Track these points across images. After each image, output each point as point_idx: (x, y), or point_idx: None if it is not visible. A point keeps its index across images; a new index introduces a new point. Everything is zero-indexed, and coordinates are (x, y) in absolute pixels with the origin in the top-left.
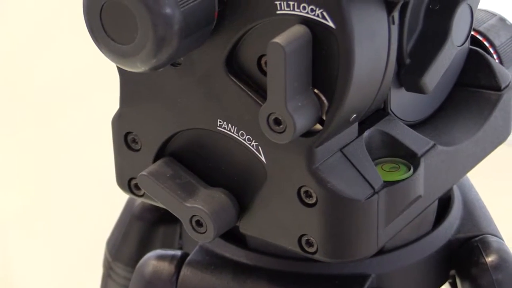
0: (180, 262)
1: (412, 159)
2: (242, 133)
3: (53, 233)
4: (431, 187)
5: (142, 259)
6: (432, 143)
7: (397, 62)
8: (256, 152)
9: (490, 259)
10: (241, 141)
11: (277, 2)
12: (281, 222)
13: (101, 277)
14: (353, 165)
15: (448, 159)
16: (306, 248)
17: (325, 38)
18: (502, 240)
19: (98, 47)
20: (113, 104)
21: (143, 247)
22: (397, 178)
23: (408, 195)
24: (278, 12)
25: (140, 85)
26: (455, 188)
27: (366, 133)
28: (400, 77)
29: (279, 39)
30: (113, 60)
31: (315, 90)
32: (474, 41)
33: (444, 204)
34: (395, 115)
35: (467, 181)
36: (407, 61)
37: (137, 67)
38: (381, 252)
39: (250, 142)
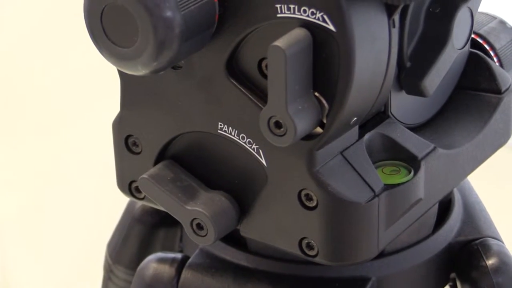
0: (180, 265)
1: (412, 162)
2: (242, 136)
3: (53, 236)
4: (432, 190)
5: (142, 262)
6: (432, 146)
7: (397, 65)
8: (257, 155)
9: (490, 262)
10: (241, 144)
11: (278, 6)
12: (282, 225)
13: (101, 280)
14: (354, 168)
15: (448, 162)
16: (307, 251)
17: (326, 41)
18: (503, 243)
19: (99, 50)
20: (114, 107)
21: (144, 250)
22: (397, 181)
23: (409, 198)
24: (278, 15)
25: (140, 88)
26: (455, 191)
27: (366, 136)
28: (401, 80)
29: (280, 42)
30: (113, 63)
31: (316, 93)
32: (475, 44)
33: (445, 207)
34: (396, 118)
35: (468, 184)
36: (408, 64)
37: (138, 70)
38: (382, 255)
39: (250, 145)
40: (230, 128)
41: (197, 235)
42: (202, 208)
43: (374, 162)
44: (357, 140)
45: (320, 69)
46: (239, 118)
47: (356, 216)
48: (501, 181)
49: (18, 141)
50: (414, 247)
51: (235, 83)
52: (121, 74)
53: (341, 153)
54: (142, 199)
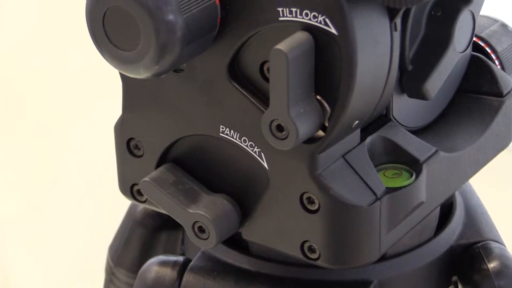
0: (182, 268)
1: (414, 165)
2: (244, 139)
3: (54, 238)
4: (433, 193)
5: (144, 265)
6: (434, 149)
7: (399, 68)
8: (259, 158)
9: (492, 265)
10: (243, 147)
11: (280, 9)
12: (284, 228)
13: (103, 282)
14: (356, 172)
15: (450, 165)
16: (309, 254)
17: (328, 44)
18: (504, 246)
19: (101, 53)
20: (116, 109)
21: (145, 253)
22: (399, 184)
23: (410, 202)
24: (280, 18)
25: (142, 91)
26: (457, 194)
27: (368, 140)
28: (402, 84)
29: (282, 46)
30: (115, 66)
31: (318, 97)
32: (476, 47)
33: (446, 210)
34: (397, 121)
35: (469, 187)
36: (409, 67)
37: (140, 74)
38: (383, 258)
39: (252, 148)
40: (232, 131)
41: (199, 238)
42: (204, 211)
43: (376, 165)
44: (359, 143)
45: (322, 72)
46: (241, 121)
47: (358, 219)
48: (503, 184)
49: (19, 142)
50: (416, 250)
51: (237, 86)
52: (123, 77)
53: (343, 156)
54: (144, 202)
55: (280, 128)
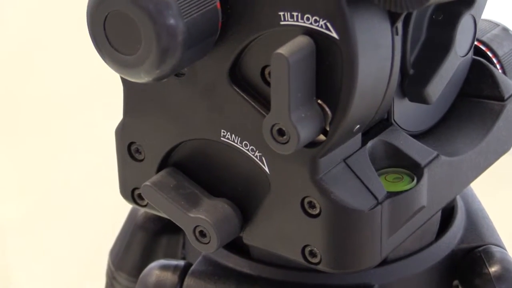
0: (183, 272)
1: (415, 170)
2: (245, 143)
3: (55, 242)
4: (435, 197)
5: (145, 269)
6: (435, 153)
7: (400, 72)
8: (260, 163)
9: (493, 269)
10: (244, 152)
11: (281, 13)
12: (285, 233)
13: (104, 286)
14: (357, 176)
15: (451, 169)
16: (310, 259)
17: (329, 49)
18: (506, 250)
19: (102, 57)
20: (117, 113)
21: (146, 257)
22: (400, 188)
23: (412, 206)
24: (281, 23)
25: (143, 95)
26: (458, 198)
27: (369, 144)
28: (404, 88)
29: (283, 50)
30: (116, 70)
31: (319, 101)
32: (477, 51)
33: (447, 214)
34: (399, 126)
35: (470, 191)
36: (411, 71)
37: (141, 78)
38: (384, 262)
39: (253, 153)
40: (233, 135)
41: (200, 242)
42: (205, 215)
43: (377, 170)
44: (360, 148)
45: (323, 76)
46: (242, 126)
47: (359, 223)
48: (504, 188)
49: (20, 144)
50: (417, 254)
51: (238, 90)
52: (124, 81)
53: (344, 160)
54: (145, 206)
55: (281, 132)
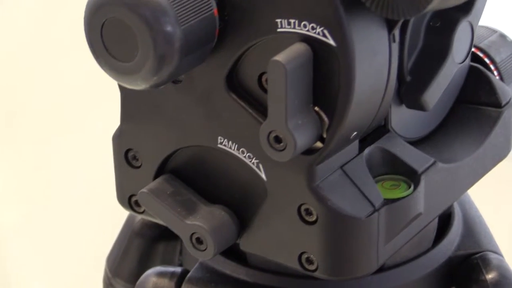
0: (180, 279)
1: (412, 177)
2: (242, 150)
3: (53, 248)
4: (432, 204)
5: (142, 275)
6: (432, 160)
7: (397, 79)
8: (257, 170)
9: (490, 276)
10: (241, 159)
11: (278, 20)
12: (281, 240)
13: None
14: (354, 183)
15: (448, 176)
16: (306, 266)
17: (326, 56)
18: (502, 257)
19: (99, 64)
20: (115, 120)
21: (143, 264)
22: (397, 195)
23: (409, 213)
24: (278, 30)
25: (140, 102)
26: (455, 204)
27: (366, 151)
28: (401, 94)
29: (280, 57)
30: (113, 77)
31: (316, 108)
32: (475, 57)
33: (445, 221)
34: (396, 132)
35: (468, 197)
36: (408, 78)
37: (138, 85)
38: (381, 269)
39: (250, 160)
40: (230, 142)
41: (197, 249)
42: (202, 222)
43: (374, 177)
44: (357, 155)
45: (320, 83)
46: (239, 133)
47: (356, 231)
48: (501, 194)
49: (18, 152)
50: (414, 261)
51: (235, 97)
52: (121, 88)
53: (341, 167)
54: (141, 213)
55: (278, 139)
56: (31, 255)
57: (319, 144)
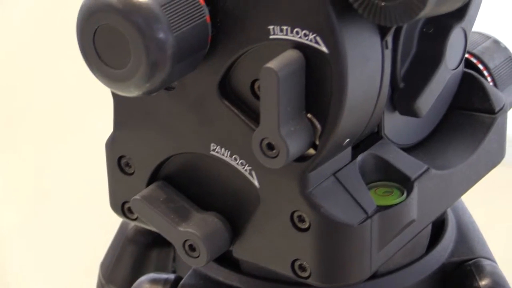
0: (173, 286)
1: (405, 183)
2: (235, 157)
3: (47, 255)
4: (425, 211)
5: (135, 282)
6: (425, 167)
7: (390, 85)
8: (250, 177)
9: (483, 282)
10: (234, 166)
11: (270, 27)
12: (274, 247)
13: None
14: (346, 190)
15: (441, 182)
16: (299, 273)
17: (318, 63)
18: (496, 263)
19: (92, 71)
20: (109, 126)
21: (137, 270)
22: (390, 202)
23: (402, 220)
24: (271, 36)
25: (133, 109)
26: (449, 211)
27: (359, 157)
28: (394, 101)
29: (272, 64)
30: (106, 84)
31: (308, 115)
32: (468, 63)
33: (438, 227)
34: (389, 139)
35: (461, 204)
36: (401, 84)
37: (131, 92)
38: (374, 276)
39: (243, 167)
40: (222, 149)
41: (190, 256)
42: (195, 229)
43: (367, 183)
44: (350, 161)
45: (312, 90)
46: (232, 139)
47: (349, 237)
48: (495, 200)
49: (14, 158)
50: (407, 267)
51: (227, 104)
52: (114, 94)
53: (334, 174)
54: (134, 219)
55: (270, 146)
56: (25, 260)
57: (311, 151)
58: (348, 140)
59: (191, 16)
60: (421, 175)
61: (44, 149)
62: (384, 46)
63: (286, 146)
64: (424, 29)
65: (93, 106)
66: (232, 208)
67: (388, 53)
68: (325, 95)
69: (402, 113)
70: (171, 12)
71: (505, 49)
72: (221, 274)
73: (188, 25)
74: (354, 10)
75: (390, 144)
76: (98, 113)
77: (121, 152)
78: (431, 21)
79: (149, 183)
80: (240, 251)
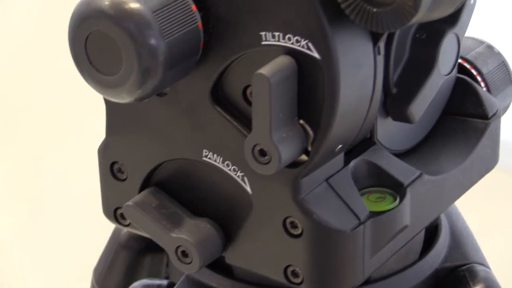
0: None
1: (398, 189)
2: (227, 163)
3: (40, 261)
4: (418, 216)
5: None
6: (418, 172)
7: (383, 91)
8: (242, 183)
9: None
10: (226, 172)
11: (262, 33)
12: (267, 253)
13: None
14: (339, 196)
15: (435, 188)
16: (292, 279)
17: (310, 69)
18: (489, 269)
19: (83, 77)
20: (102, 132)
21: (130, 276)
22: (383, 208)
23: (394, 226)
24: (263, 42)
25: (126, 115)
26: (442, 216)
27: (352, 163)
28: (387, 107)
29: (264, 70)
30: (98, 90)
31: (300, 121)
32: (462, 69)
33: (431, 233)
34: (382, 145)
35: (455, 209)
36: (394, 90)
37: (122, 98)
38: (367, 282)
39: (235, 173)
40: (215, 155)
41: (182, 262)
42: (187, 235)
43: (359, 189)
44: (343, 167)
45: (305, 96)
46: (224, 145)
47: (341, 244)
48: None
49: (12, 157)
50: (401, 273)
51: (220, 110)
52: (106, 100)
53: (326, 180)
54: (127, 225)
55: (262, 152)
56: (20, 264)
57: (304, 157)
58: (340, 146)
59: (183, 22)
60: (414, 180)
61: (42, 150)
62: (376, 52)
63: (278, 152)
64: (417, 35)
65: (92, 108)
66: (224, 214)
67: (380, 59)
68: (317, 101)
69: (395, 118)
70: (163, 18)
71: (499, 54)
72: (214, 280)
73: (180, 31)
74: (346, 16)
75: (383, 150)
76: (97, 114)
77: (113, 158)
78: (424, 26)
79: (141, 189)
80: (232, 257)
